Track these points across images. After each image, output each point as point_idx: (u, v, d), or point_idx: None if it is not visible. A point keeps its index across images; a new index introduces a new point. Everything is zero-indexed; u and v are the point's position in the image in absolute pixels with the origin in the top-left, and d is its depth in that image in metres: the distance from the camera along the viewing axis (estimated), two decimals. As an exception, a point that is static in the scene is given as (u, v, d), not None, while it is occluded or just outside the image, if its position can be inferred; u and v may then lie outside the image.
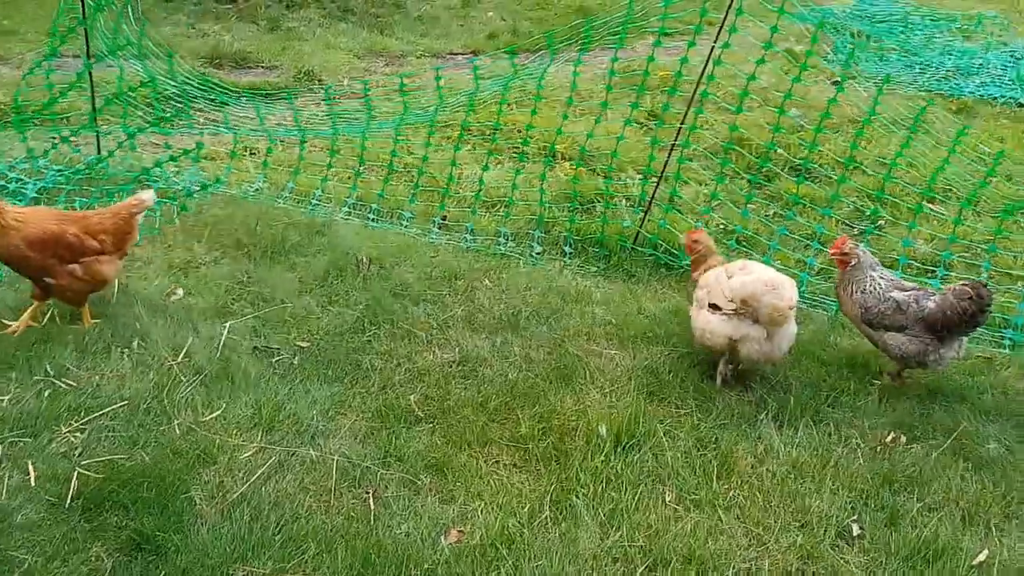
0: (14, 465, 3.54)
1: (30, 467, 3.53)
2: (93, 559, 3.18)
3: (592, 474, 3.78)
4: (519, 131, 7.30)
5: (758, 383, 4.46)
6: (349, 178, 6.44)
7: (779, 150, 5.66)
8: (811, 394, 4.37)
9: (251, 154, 6.86)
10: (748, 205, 5.81)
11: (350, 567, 3.24)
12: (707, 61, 5.29)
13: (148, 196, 4.52)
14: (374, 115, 6.20)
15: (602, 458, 3.87)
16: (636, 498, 3.68)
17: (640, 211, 5.94)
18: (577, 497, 3.66)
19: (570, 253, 5.80)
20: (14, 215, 4.11)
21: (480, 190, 6.22)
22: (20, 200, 5.50)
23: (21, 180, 5.72)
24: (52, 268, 4.17)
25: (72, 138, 5.92)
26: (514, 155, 7.15)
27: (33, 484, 3.46)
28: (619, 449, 3.94)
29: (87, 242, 4.25)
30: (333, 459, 3.75)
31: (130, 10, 5.75)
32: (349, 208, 6.08)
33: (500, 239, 5.88)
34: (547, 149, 6.90)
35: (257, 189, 6.21)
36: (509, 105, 7.92)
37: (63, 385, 3.99)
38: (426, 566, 3.28)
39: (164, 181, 5.97)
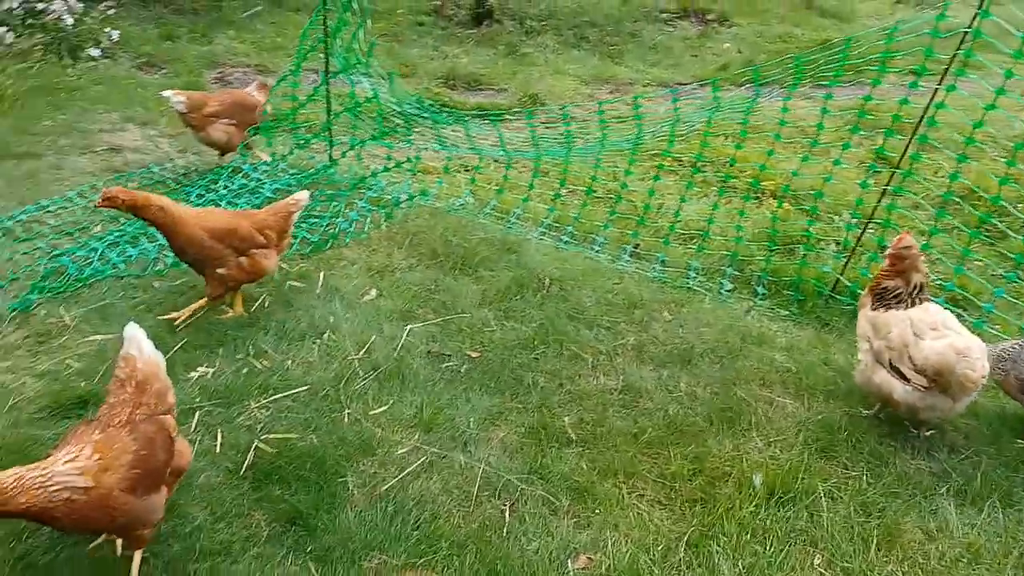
0: (206, 431, 3.98)
1: (219, 435, 3.95)
2: (253, 525, 3.51)
3: (737, 523, 3.63)
4: (729, 165, 7.13)
5: (942, 452, 4.06)
6: (549, 200, 6.61)
7: (1008, 206, 5.10)
8: (1005, 474, 3.92)
9: (466, 170, 7.23)
10: (966, 261, 5.29)
11: (476, 572, 3.34)
12: (928, 104, 4.91)
13: (304, 196, 4.96)
14: (576, 139, 6.32)
15: (751, 508, 3.70)
16: (781, 556, 3.49)
17: (843, 256, 5.60)
18: (717, 544, 3.53)
19: (762, 294, 5.58)
20: (189, 210, 4.64)
21: (677, 221, 6.15)
22: (257, 198, 6.17)
23: (260, 180, 6.42)
24: (227, 259, 4.63)
25: (309, 144, 6.57)
26: (719, 188, 7.00)
27: (218, 450, 3.87)
28: (771, 502, 3.75)
29: (256, 237, 4.70)
30: (480, 467, 3.88)
31: (362, 33, 6.29)
32: (544, 229, 6.23)
33: (690, 272, 5.78)
34: (752, 184, 6.69)
35: (462, 204, 6.52)
36: (725, 137, 7.80)
37: (259, 365, 4.43)
38: (548, 585, 3.31)
39: (378, 190, 6.44)
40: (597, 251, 5.99)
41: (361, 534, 3.47)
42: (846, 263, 5.52)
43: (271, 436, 3.96)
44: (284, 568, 3.32)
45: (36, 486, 2.79)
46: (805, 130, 6.65)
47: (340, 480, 3.74)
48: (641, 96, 8.02)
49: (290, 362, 4.50)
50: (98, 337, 4.58)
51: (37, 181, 6.35)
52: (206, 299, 4.74)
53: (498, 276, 5.46)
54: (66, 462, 2.89)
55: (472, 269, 5.53)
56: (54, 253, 5.37)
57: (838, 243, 6.07)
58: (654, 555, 3.47)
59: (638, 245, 6.14)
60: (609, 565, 3.42)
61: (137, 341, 3.32)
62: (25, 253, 5.42)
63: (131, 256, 5.32)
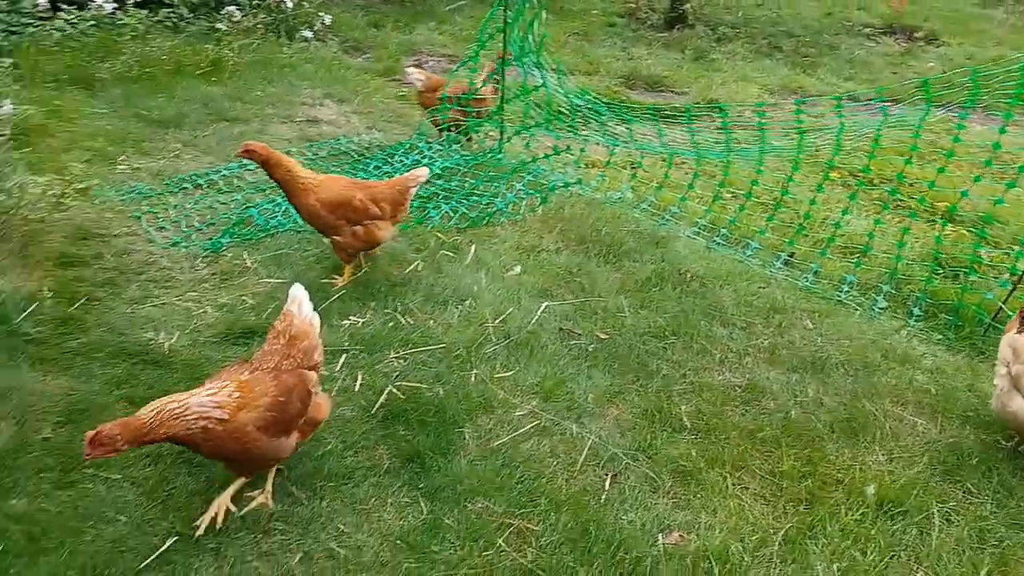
0: (349, 372, 4.38)
1: (359, 376, 4.34)
2: (376, 457, 3.85)
3: (840, 528, 3.59)
4: (897, 181, 6.86)
5: (1085, 495, 3.80)
6: (708, 201, 6.62)
7: None
8: None
9: (633, 167, 7.37)
10: None
11: (569, 530, 3.52)
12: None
13: (423, 172, 5.20)
14: (738, 143, 6.31)
15: (857, 516, 3.65)
16: (881, 566, 3.43)
17: (1008, 284, 5.28)
18: (815, 545, 3.52)
19: (918, 316, 5.36)
20: (311, 179, 4.85)
21: (837, 233, 6.01)
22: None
23: (433, 158, 6.86)
24: (340, 228, 4.94)
25: (481, 128, 6.96)
26: (884, 204, 6.74)
27: (356, 389, 4.26)
28: (880, 513, 3.67)
29: (371, 208, 4.97)
30: (589, 438, 4.04)
31: (537, 25, 6.57)
32: (698, 228, 6.27)
33: (843, 286, 5.64)
34: (919, 202, 6.40)
35: (619, 197, 6.67)
36: (897, 152, 7.49)
37: (403, 321, 4.81)
38: (636, 554, 3.43)
39: (538, 175, 6.71)
40: (749, 256, 5.97)
41: (470, 480, 3.74)
42: (1011, 291, 5.21)
43: (404, 384, 4.30)
44: (397, 498, 3.64)
45: (175, 416, 3.09)
46: (981, 150, 6.29)
47: (458, 430, 4.02)
48: (765, 105, 7.84)
49: (432, 322, 4.84)
50: (271, 280, 5.12)
51: (243, 142, 7.10)
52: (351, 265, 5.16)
53: (641, 267, 5.57)
54: (206, 395, 3.19)
55: (616, 258, 5.68)
56: (246, 205, 6.02)
57: (1009, 272, 5.72)
58: (747, 544, 3.51)
59: (793, 254, 6.05)
60: (700, 546, 3.49)
61: (299, 300, 3.61)
62: (223, 203, 6.11)
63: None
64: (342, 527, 3.46)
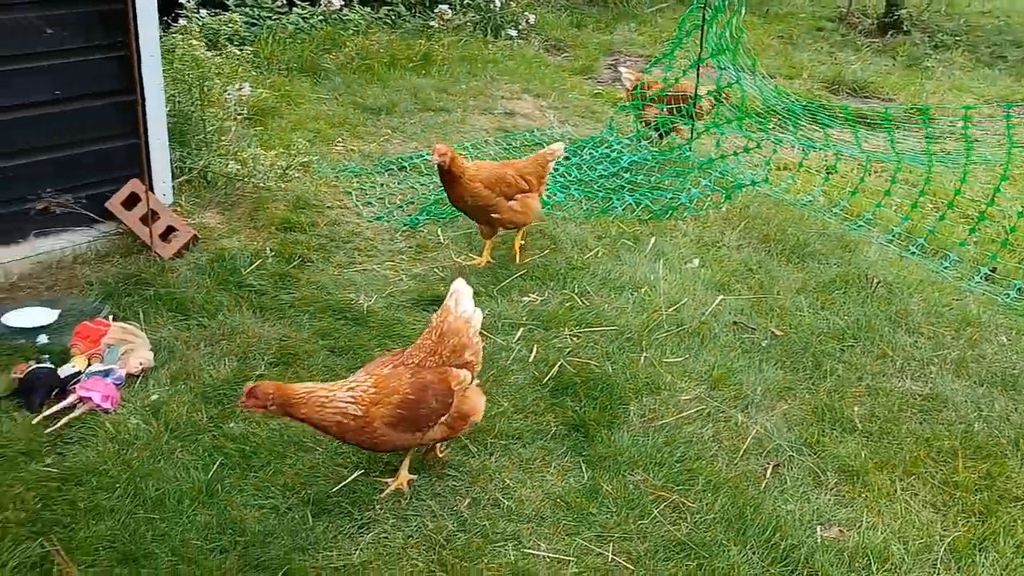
0: (524, 344, 4.65)
1: (534, 349, 4.60)
2: (544, 423, 4.08)
3: (1015, 544, 3.45)
4: None
5: None
6: (906, 209, 6.37)
7: None
8: None
9: (828, 172, 7.19)
10: None
11: (725, 511, 3.59)
12: None
13: (559, 147, 5.47)
14: (943, 150, 6.03)
15: (1036, 536, 3.47)
16: (1057, 590, 3.26)
17: None
18: (984, 557, 3.39)
19: None
20: (469, 166, 5.17)
21: (1048, 250, 5.64)
22: (615, 166, 6.80)
23: (621, 152, 7.04)
24: (498, 204, 5.19)
25: (673, 124, 7.04)
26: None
27: (530, 360, 4.51)
28: (1064, 537, 3.47)
29: (520, 183, 5.26)
30: (755, 429, 4.08)
31: (735, 23, 6.58)
32: (891, 236, 6.05)
33: (1050, 306, 5.29)
34: None
35: (810, 200, 6.55)
36: None
37: (580, 302, 5.02)
38: (792, 541, 3.45)
39: (724, 172, 6.72)
40: (946, 267, 5.70)
41: (630, 453, 3.89)
42: None
43: (575, 359, 4.51)
44: (561, 462, 3.85)
45: (318, 403, 3.22)
46: None
47: (623, 406, 4.18)
48: (974, 106, 7.31)
49: (606, 305, 5.02)
50: (460, 258, 5.49)
51: (445, 131, 7.60)
52: (489, 240, 5.42)
53: (825, 269, 5.48)
54: (347, 390, 3.28)
55: (799, 259, 5.61)
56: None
57: None
58: (910, 547, 3.44)
59: (995, 268, 5.72)
60: (860, 543, 3.46)
61: (458, 296, 3.57)
62: (423, 184, 6.57)
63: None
64: (508, 481, 3.72)
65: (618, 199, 6.26)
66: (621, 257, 5.54)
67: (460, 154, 5.34)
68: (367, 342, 4.57)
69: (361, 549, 3.32)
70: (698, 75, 6.96)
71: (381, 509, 3.50)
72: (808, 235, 5.90)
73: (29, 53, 4.66)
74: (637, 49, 11.40)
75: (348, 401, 3.27)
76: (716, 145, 7.05)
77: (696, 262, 5.51)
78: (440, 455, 3.78)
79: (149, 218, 5.10)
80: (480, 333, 3.66)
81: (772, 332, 4.83)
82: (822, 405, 4.26)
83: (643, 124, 7.29)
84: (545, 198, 6.19)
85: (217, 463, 3.64)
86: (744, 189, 6.45)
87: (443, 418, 3.45)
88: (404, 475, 3.62)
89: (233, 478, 3.60)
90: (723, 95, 6.86)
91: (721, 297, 5.11)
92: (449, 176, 5.10)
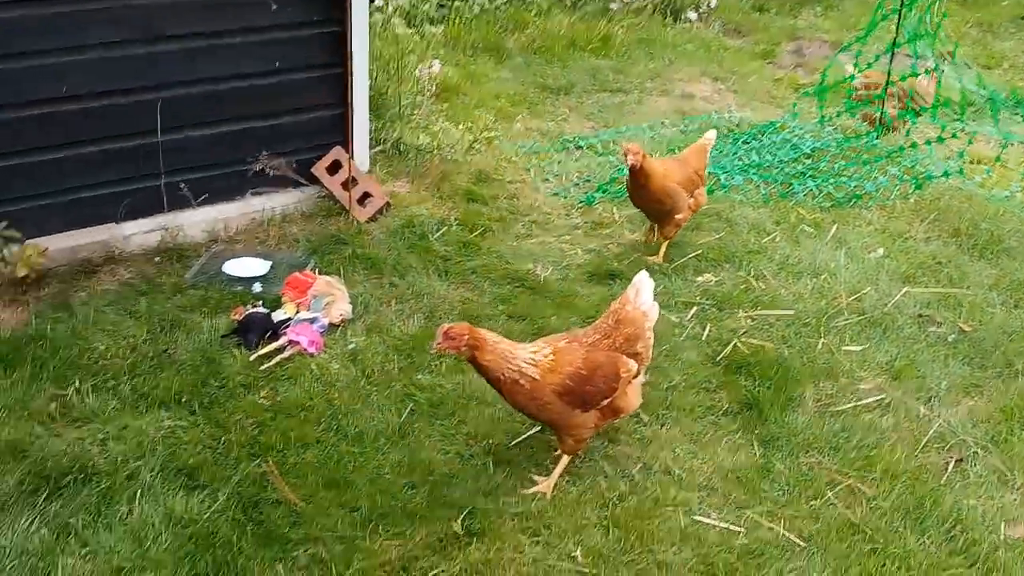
0: (698, 322, 4.71)
1: (707, 327, 4.65)
2: (716, 400, 4.14)
3: None
4: None
5: None
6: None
7: None
8: None
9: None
10: None
11: (903, 500, 3.56)
12: None
13: (712, 136, 5.40)
14: None
15: None
16: None
17: None
18: None
19: None
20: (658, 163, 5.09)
21: None
22: (795, 151, 6.69)
23: (803, 137, 6.90)
24: (684, 202, 5.10)
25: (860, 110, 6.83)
26: None
27: (704, 338, 4.57)
28: None
29: (696, 179, 5.20)
30: (937, 422, 3.98)
31: (937, 7, 6.28)
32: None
33: None
34: None
35: (1008, 195, 6.20)
36: None
37: (755, 285, 5.01)
38: (973, 536, 3.38)
39: (913, 162, 6.46)
40: None
41: (805, 435, 3.89)
42: None
43: (749, 340, 4.53)
44: (732, 439, 3.91)
45: (503, 355, 3.32)
46: None
47: (798, 390, 4.17)
48: None
49: (783, 290, 4.99)
50: (634, 236, 5.59)
51: (622, 112, 7.68)
52: (666, 240, 5.29)
53: (1021, 267, 5.20)
54: (531, 352, 3.39)
55: (993, 255, 5.36)
56: (620, 167, 6.54)
57: None
58: (1105, 557, 3.28)
59: None
60: (1047, 547, 3.34)
61: (638, 287, 3.61)
62: (599, 164, 6.70)
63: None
64: (679, 451, 3.82)
65: (799, 184, 6.15)
66: (800, 243, 5.47)
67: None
68: (543, 310, 4.77)
69: (537, 500, 3.51)
70: (891, 61, 6.69)
71: (553, 466, 3.67)
72: (1004, 231, 5.60)
73: (258, 27, 5.14)
74: (821, 35, 11.00)
75: (528, 362, 3.36)
76: (906, 134, 6.78)
77: (880, 252, 5.37)
78: (543, 490, 3.57)
79: (349, 184, 5.51)
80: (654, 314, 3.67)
81: (960, 327, 4.66)
82: (1012, 404, 4.09)
83: (868, 124, 6.98)
84: (723, 181, 6.19)
85: (408, 409, 3.95)
86: (935, 180, 6.19)
87: (604, 402, 3.47)
88: (553, 480, 3.57)
89: (422, 424, 3.89)
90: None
91: (906, 289, 4.97)
92: (641, 175, 4.95)
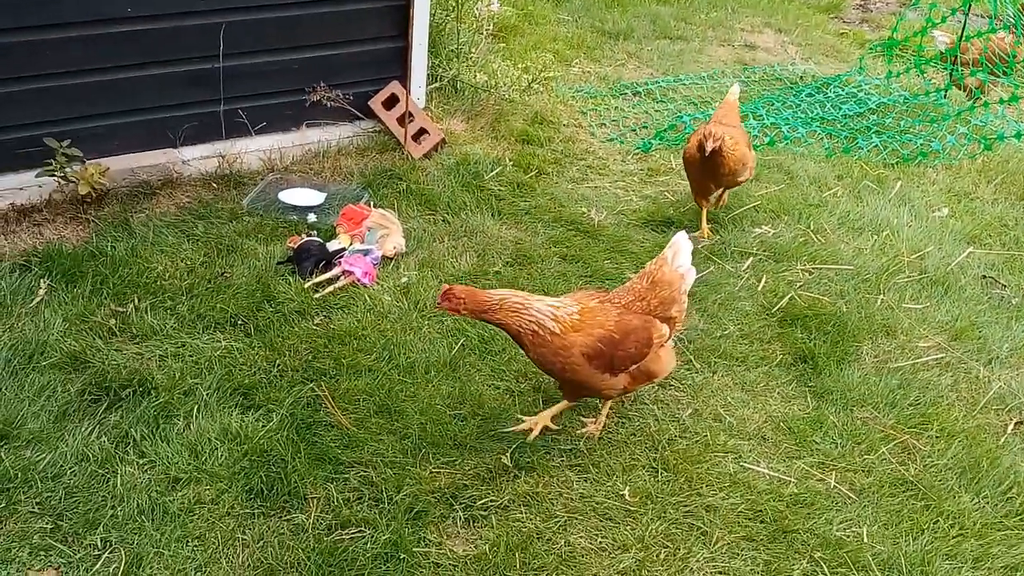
0: (753, 273, 4.63)
1: (763, 278, 4.57)
2: (769, 351, 4.09)
3: None
4: None
5: None
6: None
7: None
8: None
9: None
10: None
11: (958, 458, 3.50)
12: None
13: (736, 91, 5.10)
14: None
15: None
16: None
17: None
18: None
19: None
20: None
21: None
22: (860, 106, 6.50)
23: (869, 93, 6.70)
24: (752, 162, 4.85)
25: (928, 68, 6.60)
26: None
27: (759, 288, 4.50)
28: None
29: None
30: (996, 383, 3.90)
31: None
32: None
33: None
34: None
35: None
36: None
37: (814, 239, 4.92)
38: (1029, 500, 3.32)
39: (984, 122, 6.25)
40: None
41: (860, 390, 3.83)
42: None
43: (806, 293, 4.45)
44: (785, 390, 3.86)
45: (512, 309, 3.14)
46: None
47: (855, 345, 4.10)
48: None
49: (843, 244, 4.88)
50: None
51: (681, 60, 7.51)
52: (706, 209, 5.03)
53: (1093, 233, 5.04)
54: (548, 305, 3.18)
55: (1064, 219, 5.19)
56: (677, 114, 6.42)
57: None
58: None
59: None
60: (1107, 514, 3.27)
61: (676, 249, 3.39)
62: (656, 111, 6.58)
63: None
64: (730, 399, 3.78)
65: (864, 140, 5.99)
66: (862, 198, 5.34)
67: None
68: (597, 254, 4.72)
69: (586, 439, 3.51)
70: (966, 18, 6.44)
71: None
72: (1078, 194, 5.43)
73: (321, -43, 5.09)
74: (892, -11, 10.65)
75: (546, 315, 3.16)
76: (975, 93, 6.55)
77: (945, 211, 5.23)
78: (593, 431, 3.51)
79: (405, 119, 5.46)
80: (709, 259, 3.56)
81: (1025, 291, 4.54)
82: (1077, 371, 3.99)
83: (966, 93, 6.69)
84: (786, 133, 6.05)
85: (459, 344, 3.95)
86: (1005, 141, 5.98)
87: (634, 367, 3.31)
88: (601, 421, 3.51)
89: (472, 359, 3.89)
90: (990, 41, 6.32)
91: (970, 250, 4.84)
92: (719, 156, 4.62)
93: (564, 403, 3.52)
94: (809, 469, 3.45)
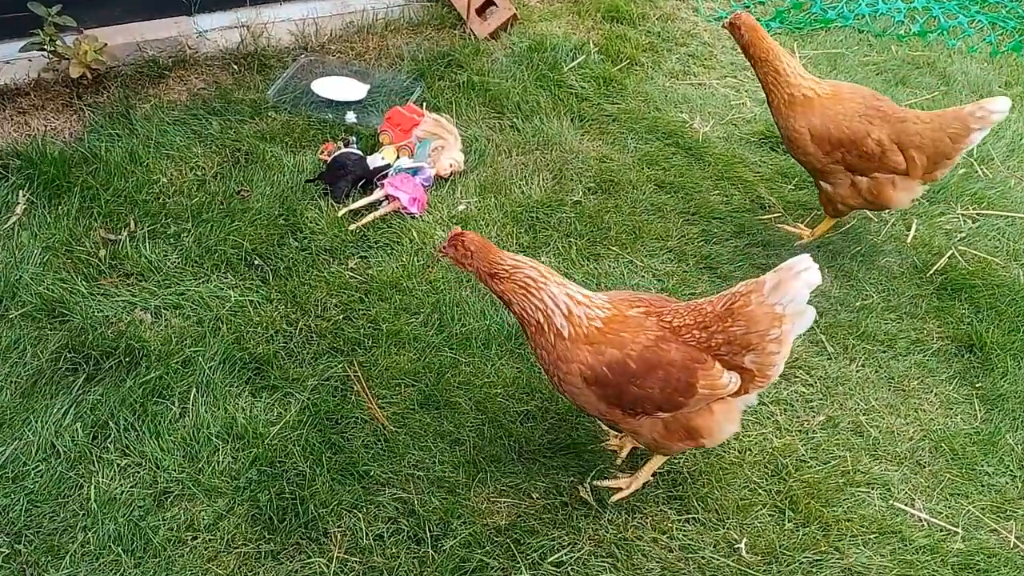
0: (901, 218, 3.66)
1: (914, 226, 3.61)
2: (924, 331, 3.19)
3: None
4: None
5: None
6: None
7: None
8: None
9: None
10: None
11: None
12: None
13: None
14: None
15: None
16: None
17: None
18: None
19: None
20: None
21: None
22: None
23: None
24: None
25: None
26: None
27: (909, 242, 3.55)
28: None
29: None
30: None
31: None
32: None
33: None
34: None
35: None
36: None
37: (980, 171, 3.90)
38: None
39: None
40: None
41: (1044, 397, 2.96)
42: None
43: (970, 251, 3.50)
44: (944, 389, 3.00)
45: (523, 283, 2.35)
46: None
47: (1041, 331, 3.19)
48: None
49: (1015, 181, 3.86)
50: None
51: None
52: None
53: None
54: (568, 295, 2.34)
55: None
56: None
57: None
58: None
59: None
60: None
61: (783, 278, 2.25)
62: (775, -19, 5.36)
63: (878, 11, 4.93)
64: (874, 402, 2.94)
65: (1041, 33, 4.78)
66: (1041, 117, 4.24)
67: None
68: (701, 181, 3.78)
69: (686, 456, 2.72)
70: None
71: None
72: None
73: None
74: None
75: (559, 307, 2.33)
76: None
77: None
78: (617, 486, 2.60)
79: (469, -13, 4.42)
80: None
81: None
82: None
83: None
84: (942, 20, 4.85)
85: (528, 306, 3.12)
86: None
87: (661, 414, 2.37)
88: (640, 479, 2.60)
89: (545, 328, 3.06)
90: None
91: None
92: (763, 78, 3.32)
93: (657, 459, 2.60)
94: (980, 515, 2.64)
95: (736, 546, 2.48)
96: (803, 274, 2.22)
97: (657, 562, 2.43)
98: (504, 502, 2.53)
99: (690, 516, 2.55)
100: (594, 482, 2.60)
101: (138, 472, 2.53)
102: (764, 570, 2.44)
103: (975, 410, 2.94)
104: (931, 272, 3.40)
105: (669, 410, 2.34)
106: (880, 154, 3.14)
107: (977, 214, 3.68)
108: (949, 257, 3.46)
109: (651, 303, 2.42)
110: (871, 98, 3.23)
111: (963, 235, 3.58)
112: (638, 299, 2.44)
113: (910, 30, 4.83)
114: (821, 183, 3.31)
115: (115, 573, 2.31)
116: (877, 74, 4.51)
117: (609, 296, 2.43)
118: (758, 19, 4.85)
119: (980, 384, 3.01)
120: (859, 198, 3.25)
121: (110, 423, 2.63)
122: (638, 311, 2.39)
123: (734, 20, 3.29)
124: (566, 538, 2.46)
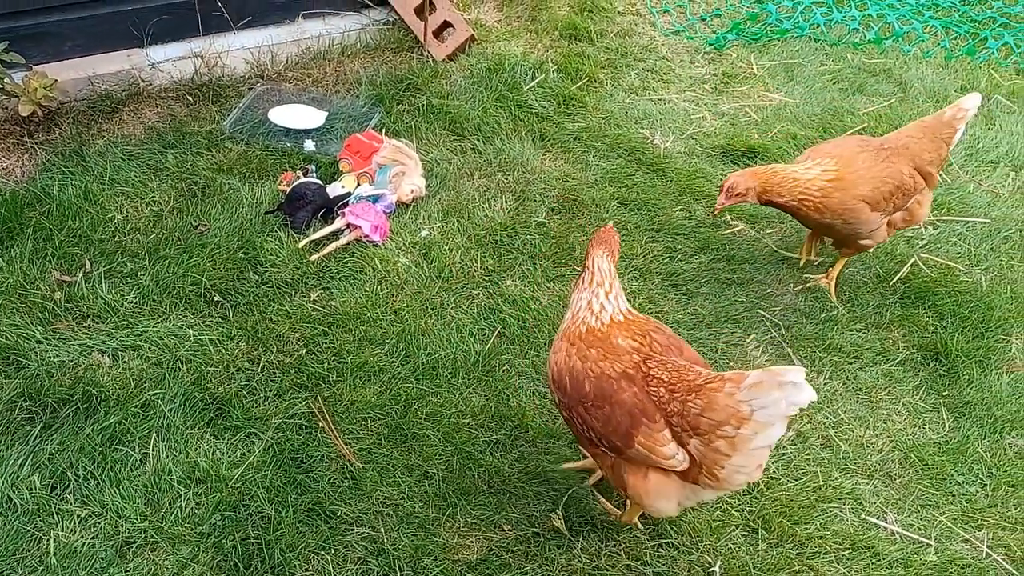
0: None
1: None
2: (890, 341, 3.20)
3: None
4: None
5: None
6: None
7: None
8: None
9: None
10: None
11: None
12: None
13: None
14: None
15: None
16: None
17: None
18: None
19: None
20: None
21: None
22: None
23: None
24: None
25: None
26: None
27: (872, 251, 3.56)
28: None
29: None
30: None
31: None
32: None
33: None
34: None
35: None
36: None
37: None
38: None
39: None
40: None
41: (1011, 405, 2.97)
42: None
43: (932, 257, 3.52)
44: (912, 400, 3.01)
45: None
46: None
47: (1003, 337, 3.21)
48: None
49: (973, 186, 3.89)
50: (778, 96, 4.43)
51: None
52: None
53: None
54: (609, 295, 2.33)
55: None
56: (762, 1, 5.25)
57: None
58: None
59: None
60: None
61: (761, 380, 2.04)
62: (732, -8, 5.40)
63: (834, 20, 4.97)
64: (842, 415, 2.94)
65: (991, 35, 4.83)
66: (995, 121, 4.28)
67: None
68: (663, 197, 3.77)
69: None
70: None
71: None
72: None
73: None
74: None
75: (587, 309, 2.32)
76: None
77: (1104, 140, 4.17)
78: (613, 511, 2.59)
79: (425, 8, 4.39)
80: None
81: None
82: None
83: None
84: (896, 27, 4.90)
85: (495, 333, 3.09)
86: None
87: (602, 446, 2.29)
88: (624, 517, 2.56)
89: (510, 354, 3.04)
90: None
91: None
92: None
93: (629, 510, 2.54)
94: (952, 526, 2.64)
95: (710, 570, 2.47)
96: (786, 386, 2.01)
97: (631, 590, 2.41)
98: (475, 536, 2.50)
99: (663, 540, 2.53)
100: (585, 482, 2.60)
101: (99, 522, 2.47)
102: (739, 592, 2.42)
103: (943, 419, 2.95)
104: (894, 281, 3.42)
105: (609, 449, 2.27)
106: (914, 184, 3.13)
107: (938, 220, 3.70)
108: (912, 265, 3.48)
109: (655, 343, 2.30)
110: (864, 143, 3.19)
111: (924, 242, 3.60)
112: (656, 327, 2.35)
113: (865, 37, 4.88)
114: (860, 242, 3.21)
115: (76, 632, 2.25)
116: (834, 83, 4.54)
117: (626, 313, 2.35)
118: (714, 32, 4.93)
119: (947, 392, 3.03)
120: (893, 230, 3.24)
121: (69, 473, 2.56)
122: (630, 343, 2.28)
123: (731, 191, 3.11)
124: (539, 570, 2.43)
